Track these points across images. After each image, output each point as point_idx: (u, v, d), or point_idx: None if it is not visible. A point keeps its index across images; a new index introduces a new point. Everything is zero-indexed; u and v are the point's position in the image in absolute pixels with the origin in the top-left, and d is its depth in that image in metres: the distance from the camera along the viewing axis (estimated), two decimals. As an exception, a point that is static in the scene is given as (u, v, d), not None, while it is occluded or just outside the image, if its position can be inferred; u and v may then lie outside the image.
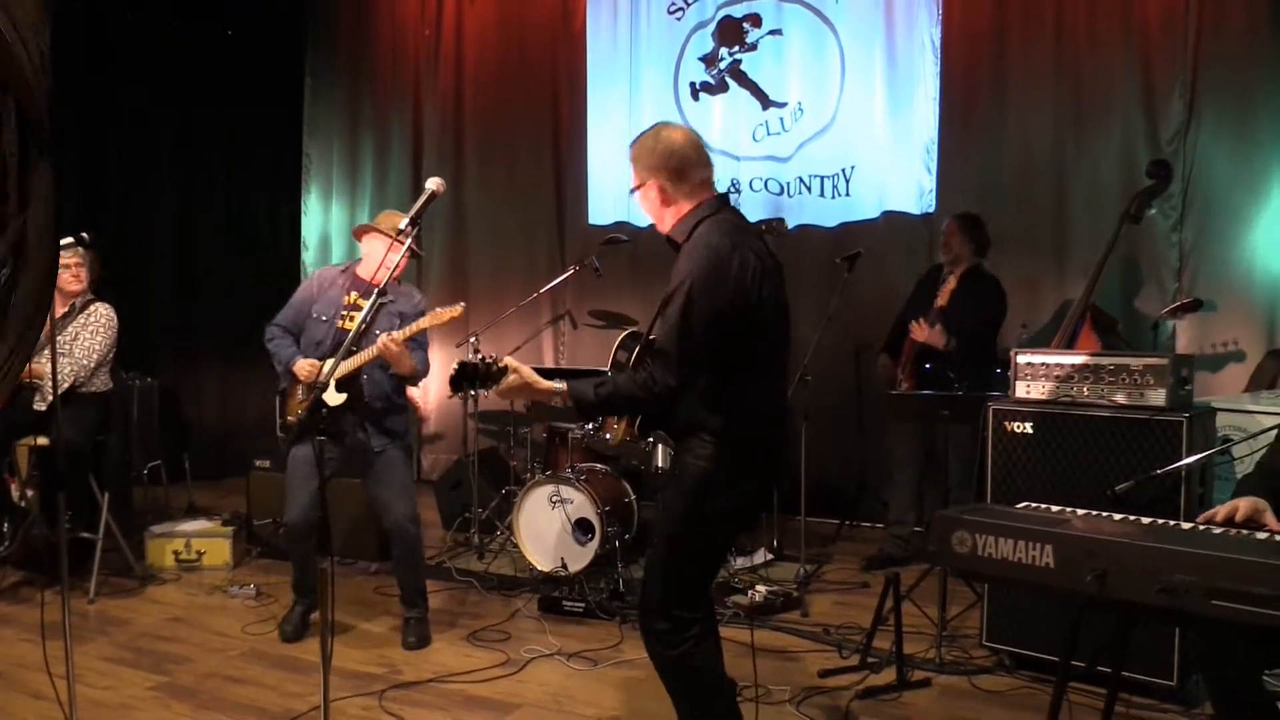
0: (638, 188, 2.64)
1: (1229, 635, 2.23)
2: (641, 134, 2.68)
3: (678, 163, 2.58)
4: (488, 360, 2.51)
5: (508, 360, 2.53)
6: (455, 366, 2.50)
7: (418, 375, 3.90)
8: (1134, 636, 2.52)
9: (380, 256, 3.77)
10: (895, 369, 4.97)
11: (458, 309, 3.69)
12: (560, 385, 2.51)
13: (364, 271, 3.95)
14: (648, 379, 2.44)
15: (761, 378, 2.56)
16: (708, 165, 2.66)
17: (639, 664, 3.65)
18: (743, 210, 6.33)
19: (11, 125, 1.54)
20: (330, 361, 3.71)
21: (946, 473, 4.20)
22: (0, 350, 1.60)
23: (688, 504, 2.51)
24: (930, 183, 5.73)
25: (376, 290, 2.78)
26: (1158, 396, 3.19)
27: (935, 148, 5.70)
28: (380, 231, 3.86)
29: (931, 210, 5.68)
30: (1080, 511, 2.36)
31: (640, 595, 2.67)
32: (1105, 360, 3.32)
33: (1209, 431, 3.37)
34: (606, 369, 5.44)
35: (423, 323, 3.70)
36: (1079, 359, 3.39)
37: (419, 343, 3.84)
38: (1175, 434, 3.12)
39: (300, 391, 3.84)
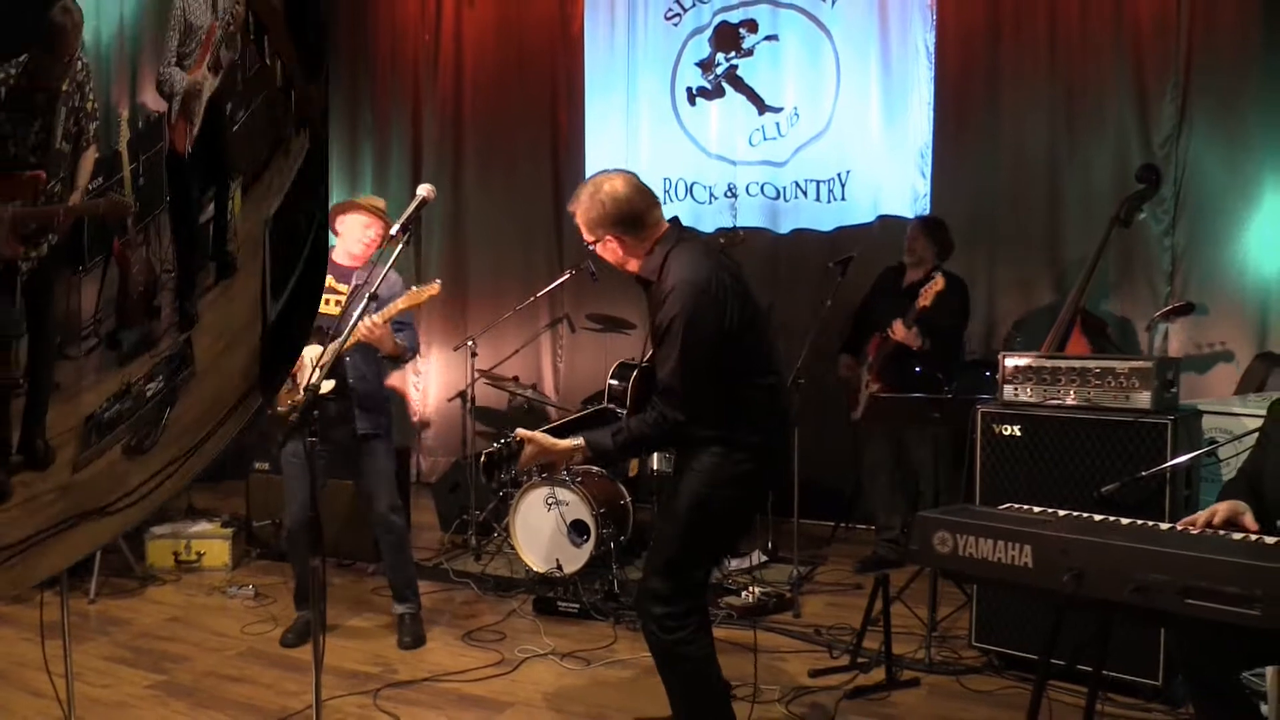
0: (592, 244, 2.68)
1: (1206, 634, 2.27)
2: (579, 191, 2.70)
3: (629, 213, 2.62)
4: (506, 441, 2.62)
5: (521, 433, 2.62)
6: (484, 458, 2.63)
7: (404, 354, 3.92)
8: (1119, 636, 2.55)
9: (354, 234, 3.89)
10: (858, 368, 4.99)
11: (435, 287, 3.76)
12: (578, 442, 2.60)
13: (339, 255, 3.94)
14: (658, 418, 2.53)
15: (758, 383, 2.63)
16: (656, 203, 2.70)
17: (632, 664, 3.69)
18: (740, 215, 6.40)
19: (166, 240, 1.44)
20: (311, 350, 3.72)
21: (934, 475, 4.22)
22: (144, 466, 1.44)
23: (694, 501, 2.59)
24: (925, 186, 5.76)
25: (368, 295, 2.82)
26: (1143, 399, 3.22)
27: (930, 152, 5.74)
28: (362, 207, 3.88)
29: (926, 214, 5.70)
30: (1061, 513, 2.41)
31: (641, 583, 2.73)
32: (1091, 363, 3.35)
33: (1194, 434, 3.39)
34: (605, 371, 5.50)
35: (400, 304, 3.73)
36: (1065, 362, 3.41)
37: (402, 323, 3.85)
38: (1160, 436, 3.15)
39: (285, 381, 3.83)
